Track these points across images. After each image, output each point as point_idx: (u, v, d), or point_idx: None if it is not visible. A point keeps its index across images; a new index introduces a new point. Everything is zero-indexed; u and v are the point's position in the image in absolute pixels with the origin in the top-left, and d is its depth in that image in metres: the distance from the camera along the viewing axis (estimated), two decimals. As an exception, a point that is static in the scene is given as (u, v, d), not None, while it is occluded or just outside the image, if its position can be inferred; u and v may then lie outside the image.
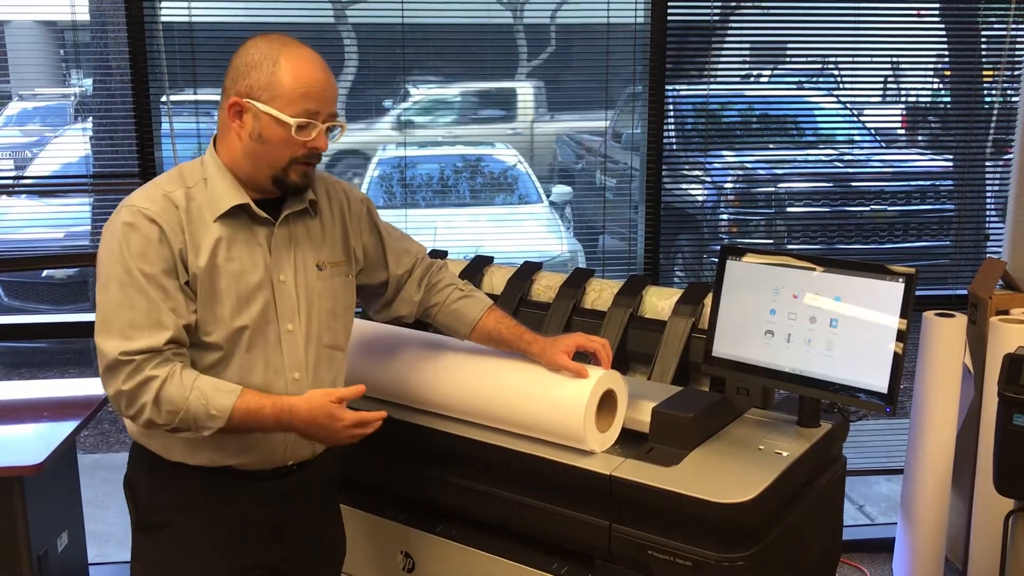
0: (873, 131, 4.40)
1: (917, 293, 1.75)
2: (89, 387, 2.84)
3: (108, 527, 3.28)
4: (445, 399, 1.92)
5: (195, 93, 3.10)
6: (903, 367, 1.70)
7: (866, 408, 1.76)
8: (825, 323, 1.79)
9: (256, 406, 1.58)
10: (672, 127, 3.48)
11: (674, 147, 3.51)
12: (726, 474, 1.69)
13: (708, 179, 4.06)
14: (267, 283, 1.67)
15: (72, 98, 6.72)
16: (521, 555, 1.85)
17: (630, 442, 1.82)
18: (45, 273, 5.27)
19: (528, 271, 2.42)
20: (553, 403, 1.78)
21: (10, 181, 4.95)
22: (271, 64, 1.60)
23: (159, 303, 1.56)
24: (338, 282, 1.78)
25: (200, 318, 1.61)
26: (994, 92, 3.49)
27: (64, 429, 2.40)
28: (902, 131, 4.27)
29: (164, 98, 3.01)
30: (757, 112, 4.13)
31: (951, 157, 3.81)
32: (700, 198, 4.03)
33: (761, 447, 1.80)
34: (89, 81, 5.51)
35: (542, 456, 1.78)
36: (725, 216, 4.15)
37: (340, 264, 1.79)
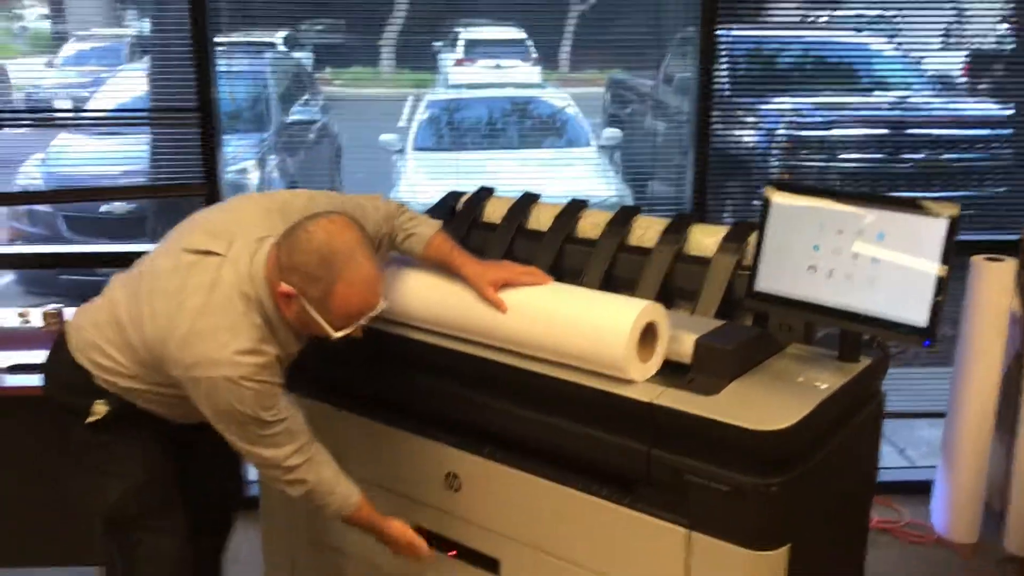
0: (932, 77, 4.32)
1: (967, 238, 1.77)
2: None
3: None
4: (491, 329, 1.98)
5: (248, 35, 3.18)
6: (944, 301, 1.72)
7: (906, 342, 1.79)
8: (867, 259, 1.82)
9: (368, 517, 2.03)
10: (725, 71, 3.45)
11: (726, 92, 3.49)
12: (765, 404, 1.74)
13: (761, 124, 4.03)
14: None
15: (127, 38, 6.82)
16: (564, 477, 1.92)
17: (671, 373, 1.87)
18: (104, 208, 5.41)
19: (574, 208, 2.45)
20: (597, 333, 1.84)
21: (70, 116, 5.07)
22: (326, 286, 1.74)
23: (291, 419, 1.87)
24: None
25: None
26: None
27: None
28: (963, 78, 4.19)
29: (219, 38, 3.09)
30: (812, 57, 4.08)
31: (1013, 104, 3.74)
32: (751, 143, 4.01)
33: (800, 379, 1.83)
34: (141, 22, 5.58)
35: (586, 384, 1.84)
36: (776, 162, 4.12)
37: None
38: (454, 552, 2.14)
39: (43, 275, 5.34)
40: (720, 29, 3.23)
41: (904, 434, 3.77)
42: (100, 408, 1.92)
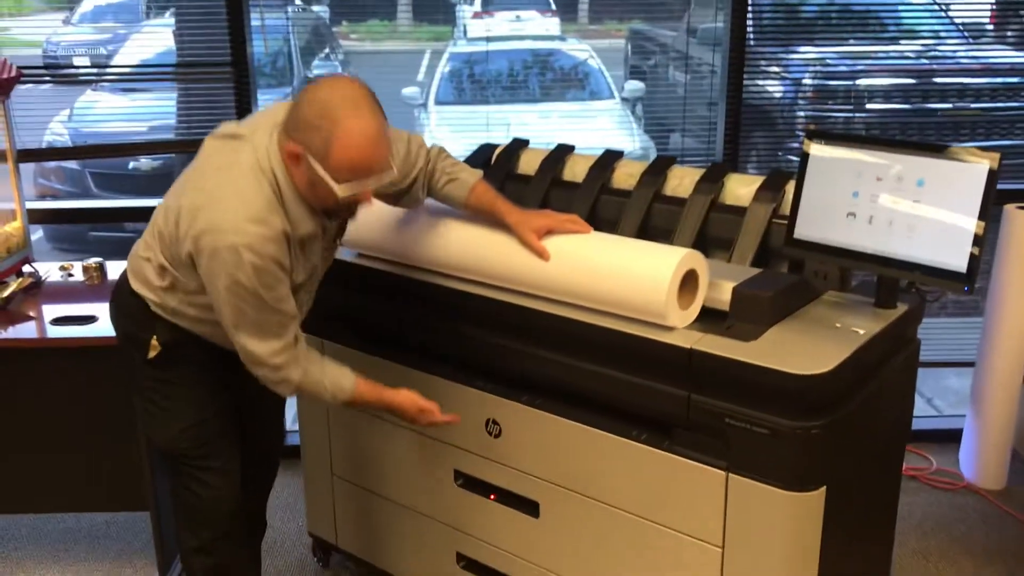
0: (960, 25, 4.28)
1: (999, 186, 1.77)
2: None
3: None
4: (533, 276, 2.01)
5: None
6: (984, 247, 1.74)
7: (945, 288, 1.81)
8: (907, 205, 1.83)
9: (365, 393, 2.01)
10: (751, 21, 3.43)
11: (751, 42, 3.47)
12: (803, 349, 1.76)
13: (786, 75, 4.01)
14: (317, 244, 1.94)
15: (145, -7, 6.79)
16: (603, 423, 1.96)
17: (710, 320, 1.90)
18: (132, 165, 5.45)
19: (609, 159, 2.46)
20: (638, 280, 1.86)
21: (102, 72, 5.09)
22: (327, 133, 1.71)
23: (289, 317, 1.86)
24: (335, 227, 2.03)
25: None
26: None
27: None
28: (990, 26, 4.14)
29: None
30: (838, 5, 4.04)
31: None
32: (777, 95, 3.99)
33: (838, 325, 1.86)
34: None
35: (626, 331, 1.87)
36: (802, 113, 4.11)
37: None
38: (494, 496, 2.19)
39: (72, 231, 5.40)
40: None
41: (931, 384, 3.80)
42: (156, 344, 1.99)
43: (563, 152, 2.54)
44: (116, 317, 2.11)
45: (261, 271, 1.76)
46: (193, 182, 1.88)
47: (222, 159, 1.85)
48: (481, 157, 2.63)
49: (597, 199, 2.40)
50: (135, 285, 2.00)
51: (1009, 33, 4.10)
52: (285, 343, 1.87)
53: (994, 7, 4.00)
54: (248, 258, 1.74)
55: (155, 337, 1.99)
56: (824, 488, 1.78)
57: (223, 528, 2.13)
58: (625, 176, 2.42)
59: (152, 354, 2.00)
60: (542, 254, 1.96)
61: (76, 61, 6.49)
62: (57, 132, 5.20)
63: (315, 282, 2.03)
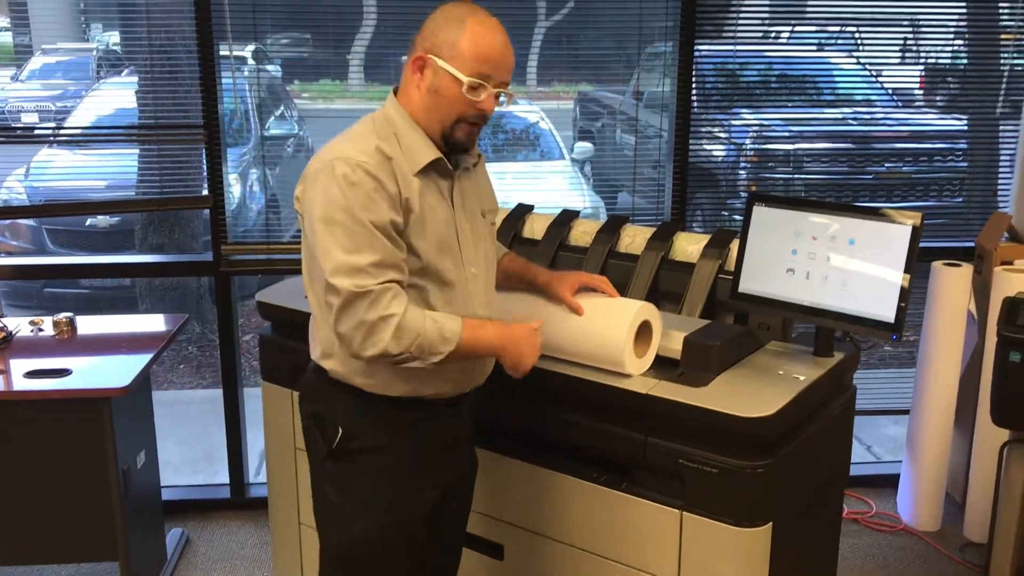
0: (891, 91, 4.54)
1: (927, 244, 1.95)
2: (157, 323, 3.08)
3: (167, 456, 3.53)
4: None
5: (230, 49, 3.21)
6: (909, 298, 1.91)
7: (875, 336, 1.97)
8: (840, 262, 2.00)
9: (479, 326, 1.80)
10: (694, 87, 3.63)
11: (695, 107, 3.67)
12: (749, 393, 1.91)
13: (728, 138, 4.22)
14: (453, 231, 1.85)
15: (94, 52, 6.86)
16: (563, 465, 2.08)
17: (663, 367, 2.04)
18: (89, 221, 5.47)
19: (566, 218, 2.62)
20: (597, 331, 2.00)
21: (50, 132, 5.13)
22: (457, 27, 1.76)
23: (387, 248, 1.72)
24: (492, 228, 2.03)
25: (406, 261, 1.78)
26: (1012, 54, 3.62)
27: (143, 359, 2.64)
28: (919, 92, 4.40)
29: (226, 51, 3.15)
30: (776, 72, 4.28)
31: (966, 118, 3.96)
32: (719, 157, 4.20)
33: (780, 372, 2.01)
34: (107, 35, 5.56)
35: (586, 378, 2.00)
36: (744, 174, 4.31)
37: (492, 212, 2.02)
38: (459, 539, 2.28)
39: (26, 287, 5.39)
40: (703, 46, 3.39)
41: (870, 432, 3.98)
42: (340, 428, 1.84)
43: (523, 211, 2.69)
44: (303, 403, 1.95)
45: (353, 183, 1.69)
46: None
47: None
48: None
49: (555, 255, 2.54)
50: (315, 356, 1.89)
51: (938, 98, 4.37)
52: (394, 276, 1.72)
53: (923, 74, 4.27)
54: (340, 170, 1.70)
55: (339, 421, 1.84)
56: (770, 524, 1.91)
57: None
58: (581, 234, 2.57)
59: (336, 440, 1.84)
60: (577, 310, 2.03)
61: (25, 119, 6.52)
62: (14, 189, 5.22)
63: (475, 287, 1.89)
